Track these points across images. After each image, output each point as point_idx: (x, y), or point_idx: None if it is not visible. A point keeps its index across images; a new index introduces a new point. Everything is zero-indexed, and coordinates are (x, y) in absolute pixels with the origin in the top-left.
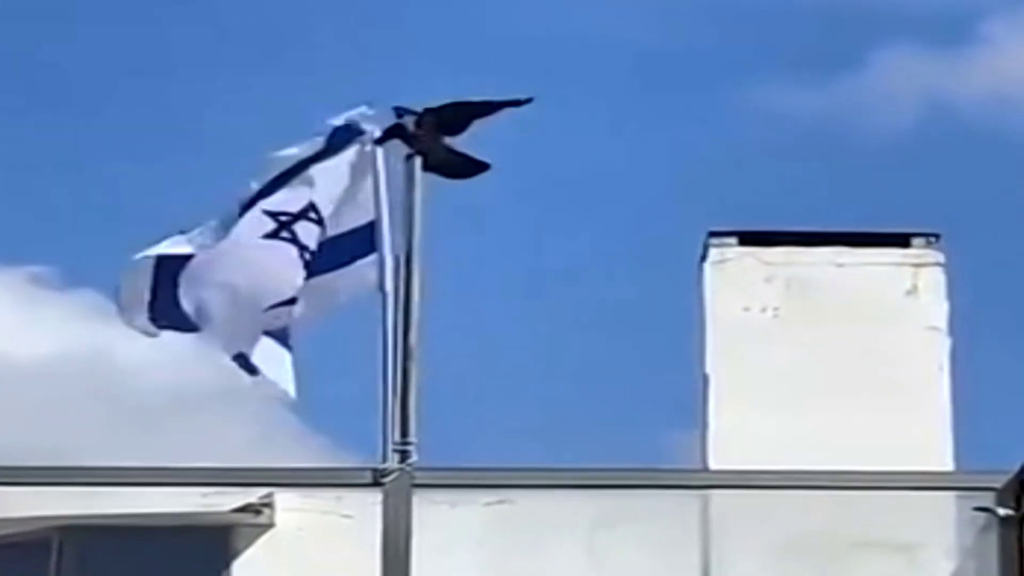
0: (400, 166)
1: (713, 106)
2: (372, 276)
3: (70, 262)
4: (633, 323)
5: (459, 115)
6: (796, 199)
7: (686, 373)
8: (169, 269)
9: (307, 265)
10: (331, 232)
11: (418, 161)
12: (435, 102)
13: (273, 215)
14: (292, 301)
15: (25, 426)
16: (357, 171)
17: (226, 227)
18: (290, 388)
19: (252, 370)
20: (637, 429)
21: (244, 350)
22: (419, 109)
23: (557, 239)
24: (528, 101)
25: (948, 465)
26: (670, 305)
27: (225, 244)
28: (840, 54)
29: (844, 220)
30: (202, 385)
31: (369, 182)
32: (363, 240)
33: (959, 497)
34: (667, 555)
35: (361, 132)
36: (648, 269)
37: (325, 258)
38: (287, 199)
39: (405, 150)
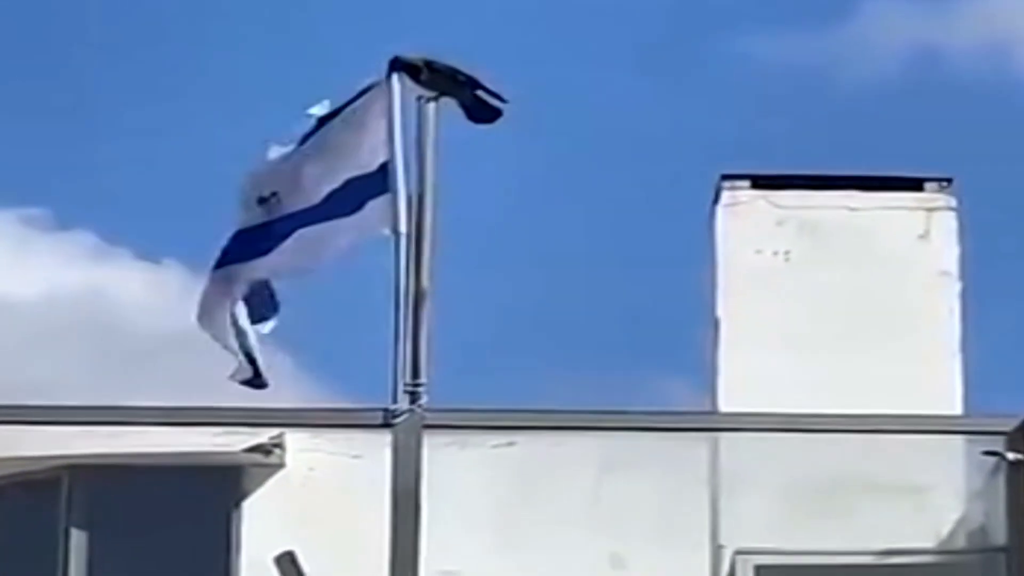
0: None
1: (702, 55)
2: (385, 216)
3: (63, 204)
4: (643, 265)
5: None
6: (786, 147)
7: (697, 316)
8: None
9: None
10: (344, 176)
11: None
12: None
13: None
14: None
15: (17, 363)
16: (370, 114)
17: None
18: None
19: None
20: (646, 371)
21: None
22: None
23: (565, 186)
24: (505, 102)
25: (957, 409)
26: (680, 249)
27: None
28: (831, 3)
29: (833, 168)
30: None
31: (383, 124)
32: (376, 181)
33: (968, 441)
34: (675, 498)
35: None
36: (656, 213)
37: (335, 205)
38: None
39: (415, 92)
